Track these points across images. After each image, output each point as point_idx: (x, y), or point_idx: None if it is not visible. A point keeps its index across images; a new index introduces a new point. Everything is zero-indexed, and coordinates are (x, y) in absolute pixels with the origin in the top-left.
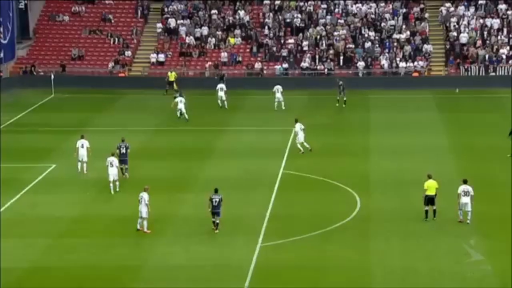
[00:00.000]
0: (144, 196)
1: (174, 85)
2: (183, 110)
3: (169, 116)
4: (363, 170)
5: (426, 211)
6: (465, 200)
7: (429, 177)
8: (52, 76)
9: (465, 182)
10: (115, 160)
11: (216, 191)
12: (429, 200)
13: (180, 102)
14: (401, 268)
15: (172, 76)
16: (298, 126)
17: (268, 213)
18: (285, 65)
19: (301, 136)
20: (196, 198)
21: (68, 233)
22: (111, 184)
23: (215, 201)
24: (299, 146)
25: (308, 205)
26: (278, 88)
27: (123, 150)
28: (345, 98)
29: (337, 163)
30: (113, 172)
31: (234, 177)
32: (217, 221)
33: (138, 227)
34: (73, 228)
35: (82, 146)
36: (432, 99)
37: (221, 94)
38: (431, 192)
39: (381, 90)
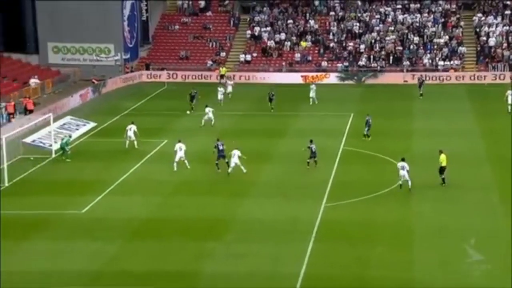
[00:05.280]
0: (182, 146)
1: (225, 78)
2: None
3: (253, 103)
4: (407, 147)
5: (443, 179)
6: (402, 173)
7: (441, 152)
8: (166, 72)
9: (402, 159)
10: (183, 146)
11: (311, 141)
12: (443, 170)
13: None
14: (435, 225)
15: (223, 70)
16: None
17: (330, 180)
18: (346, 64)
19: (180, 155)
20: (274, 168)
21: (176, 193)
22: (175, 163)
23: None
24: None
25: (362, 174)
26: (312, 88)
27: (221, 147)
28: (422, 92)
29: (387, 142)
30: (179, 155)
31: (304, 152)
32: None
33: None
34: (180, 189)
35: (130, 129)
36: (465, 91)
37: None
38: (444, 164)
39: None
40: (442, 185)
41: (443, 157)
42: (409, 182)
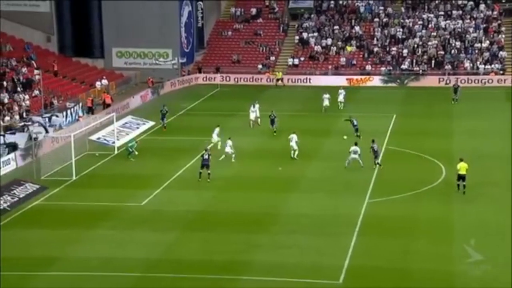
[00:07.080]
0: (229, 142)
1: (281, 81)
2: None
3: (299, 104)
4: (448, 146)
5: (458, 185)
6: (354, 156)
7: (461, 160)
8: (218, 75)
9: (355, 144)
10: (229, 142)
11: (373, 141)
12: (461, 177)
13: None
14: (475, 222)
15: (279, 74)
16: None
17: (373, 178)
18: (389, 67)
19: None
20: (319, 165)
21: (227, 188)
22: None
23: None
24: None
25: (404, 172)
26: (341, 92)
27: (206, 156)
28: (457, 97)
29: (428, 141)
30: (252, 116)
31: (348, 150)
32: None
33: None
34: (231, 184)
35: (214, 132)
36: (505, 94)
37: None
38: (462, 172)
39: (462, 86)
40: (458, 191)
41: (462, 165)
42: (361, 162)
